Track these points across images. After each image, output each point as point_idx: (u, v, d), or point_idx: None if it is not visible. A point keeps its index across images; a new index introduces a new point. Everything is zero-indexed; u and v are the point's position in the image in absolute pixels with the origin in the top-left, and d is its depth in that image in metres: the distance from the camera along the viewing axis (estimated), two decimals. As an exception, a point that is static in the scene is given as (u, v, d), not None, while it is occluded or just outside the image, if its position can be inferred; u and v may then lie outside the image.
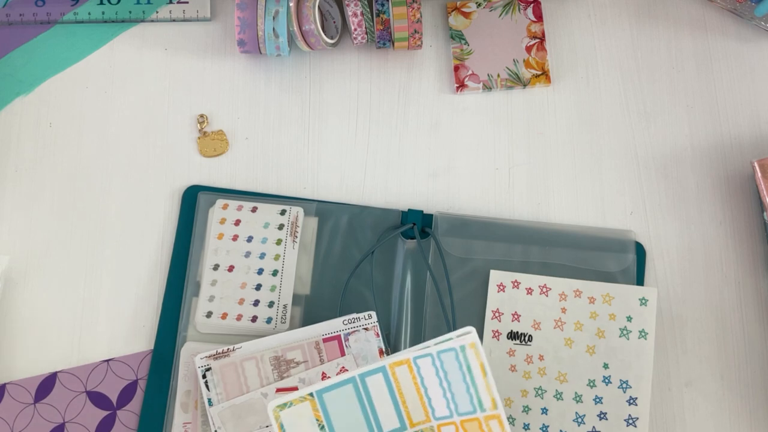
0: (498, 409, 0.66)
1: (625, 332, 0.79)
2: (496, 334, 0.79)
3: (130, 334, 0.79)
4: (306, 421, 0.67)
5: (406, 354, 0.67)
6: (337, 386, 0.67)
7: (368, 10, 0.82)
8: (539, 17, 0.87)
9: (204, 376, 0.74)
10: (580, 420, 0.77)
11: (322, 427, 0.67)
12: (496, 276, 0.80)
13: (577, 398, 0.78)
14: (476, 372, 0.66)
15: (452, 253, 0.80)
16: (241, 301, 0.78)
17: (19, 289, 0.80)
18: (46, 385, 0.77)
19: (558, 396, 0.78)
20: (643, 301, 0.79)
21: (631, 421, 0.77)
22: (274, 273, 0.79)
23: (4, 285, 0.79)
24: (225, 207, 0.80)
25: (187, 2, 0.87)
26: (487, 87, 0.85)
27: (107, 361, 0.78)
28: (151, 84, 0.85)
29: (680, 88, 0.86)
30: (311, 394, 0.67)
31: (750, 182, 0.84)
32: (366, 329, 0.77)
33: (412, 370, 0.68)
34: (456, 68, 0.86)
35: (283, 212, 0.80)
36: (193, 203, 0.81)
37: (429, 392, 0.68)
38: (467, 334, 0.65)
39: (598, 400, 0.78)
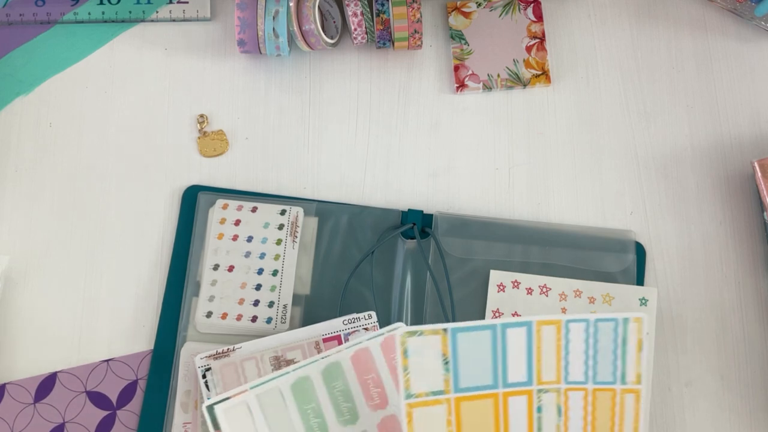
0: (641, 385, 0.67)
1: (625, 332, 0.79)
2: (496, 334, 0.79)
3: (130, 334, 0.79)
4: (432, 353, 0.65)
5: (557, 317, 0.67)
6: (475, 329, 0.66)
7: (368, 10, 0.82)
8: (539, 17, 0.87)
9: (204, 376, 0.74)
10: (580, 420, 0.77)
11: (447, 363, 0.66)
12: (496, 276, 0.80)
13: (578, 398, 0.78)
14: (631, 346, 0.67)
15: (452, 253, 0.80)
16: (241, 301, 0.78)
17: (19, 289, 0.80)
18: (46, 385, 0.77)
19: (558, 396, 0.78)
20: (643, 301, 0.79)
21: (631, 421, 0.77)
22: (274, 273, 0.79)
23: (4, 285, 0.79)
24: (225, 207, 0.80)
25: (187, 2, 0.87)
26: (487, 87, 0.85)
27: (107, 361, 0.78)
28: (151, 84, 0.85)
29: (680, 88, 0.86)
30: (445, 330, 0.65)
31: (750, 182, 0.84)
32: (366, 329, 0.77)
33: (559, 332, 0.67)
34: (456, 68, 0.86)
35: (283, 212, 0.80)
36: (193, 203, 0.81)
37: (570, 356, 0.67)
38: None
39: (598, 400, 0.78)
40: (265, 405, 0.69)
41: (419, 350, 0.65)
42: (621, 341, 0.67)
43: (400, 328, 0.70)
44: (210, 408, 0.68)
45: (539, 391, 0.67)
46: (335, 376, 0.70)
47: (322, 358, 0.70)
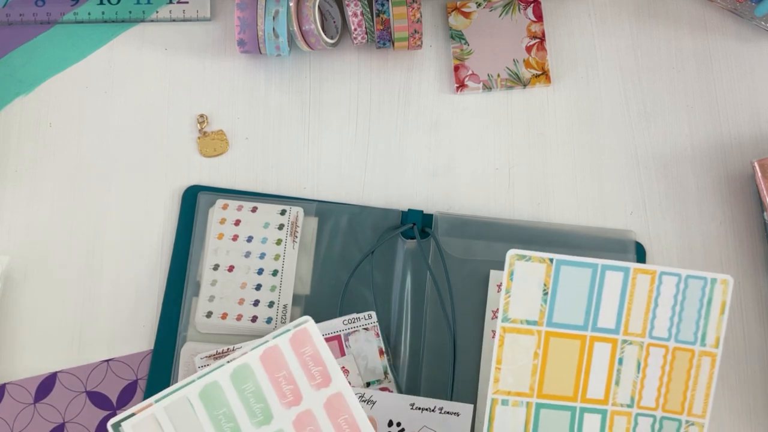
0: (718, 349, 0.70)
1: (625, 332, 0.79)
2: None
3: (130, 334, 0.79)
4: (534, 281, 0.69)
5: (653, 267, 0.70)
6: (578, 264, 0.70)
7: (368, 10, 0.82)
8: (539, 17, 0.87)
9: (204, 376, 0.74)
10: (580, 420, 0.78)
11: (546, 293, 0.69)
12: (496, 276, 0.80)
13: (578, 398, 0.78)
14: (715, 307, 0.70)
15: (452, 254, 0.80)
16: (241, 301, 0.78)
17: (19, 289, 0.80)
18: (46, 385, 0.77)
19: (558, 396, 0.78)
20: (644, 301, 0.79)
21: (631, 421, 0.77)
22: (274, 273, 0.79)
23: (4, 285, 0.79)
24: (225, 207, 0.80)
25: (187, 2, 0.87)
26: (487, 87, 0.85)
27: (107, 361, 0.78)
28: (151, 84, 0.85)
29: (680, 88, 0.86)
30: (551, 259, 0.69)
31: (750, 182, 0.84)
32: (366, 329, 0.77)
33: (653, 283, 0.70)
34: (456, 68, 0.86)
35: (283, 212, 0.80)
36: (193, 203, 0.81)
37: (658, 309, 0.70)
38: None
39: (598, 399, 0.78)
40: (174, 416, 0.67)
41: (524, 275, 0.69)
42: (707, 301, 0.70)
43: (308, 321, 0.69)
44: (116, 426, 0.66)
45: (624, 341, 0.70)
46: (245, 378, 0.68)
47: (228, 362, 0.68)
